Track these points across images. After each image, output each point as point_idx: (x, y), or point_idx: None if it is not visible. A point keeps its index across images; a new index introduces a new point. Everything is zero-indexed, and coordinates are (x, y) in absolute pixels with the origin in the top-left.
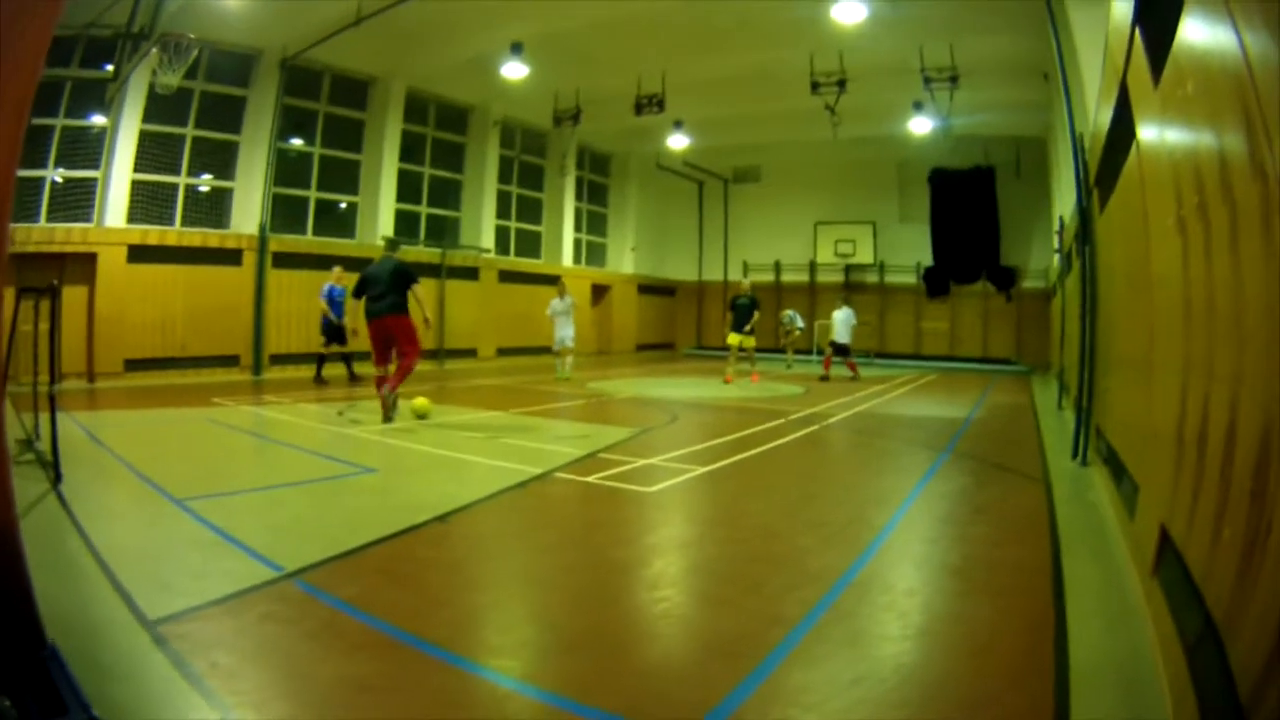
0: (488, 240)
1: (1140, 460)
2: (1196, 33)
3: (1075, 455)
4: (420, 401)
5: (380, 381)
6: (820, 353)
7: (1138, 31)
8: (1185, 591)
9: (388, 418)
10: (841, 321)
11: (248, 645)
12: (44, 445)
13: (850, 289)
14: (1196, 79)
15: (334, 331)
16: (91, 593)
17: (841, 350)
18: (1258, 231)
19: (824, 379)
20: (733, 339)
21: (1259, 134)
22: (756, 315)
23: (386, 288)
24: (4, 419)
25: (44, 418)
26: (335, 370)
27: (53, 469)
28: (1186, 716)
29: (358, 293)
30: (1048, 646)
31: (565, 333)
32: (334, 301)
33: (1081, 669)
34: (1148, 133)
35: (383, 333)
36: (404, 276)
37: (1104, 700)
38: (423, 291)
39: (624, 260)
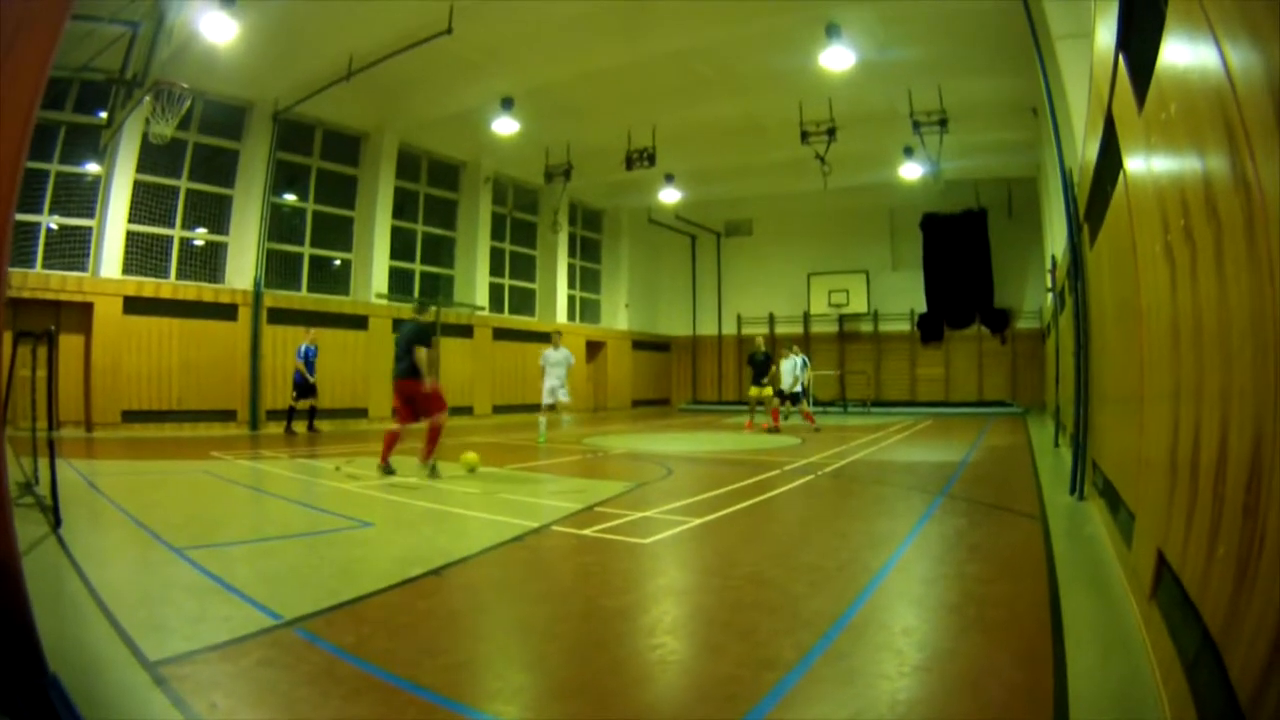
0: (482, 298)
1: (1135, 488)
2: (1178, 51)
3: (1073, 491)
4: (469, 456)
5: (390, 437)
6: (817, 402)
7: (1121, 58)
8: (1183, 611)
9: (385, 470)
10: (788, 371)
11: (247, 688)
12: (43, 490)
13: (845, 339)
14: (1179, 99)
15: (306, 388)
16: (91, 633)
17: (788, 397)
18: (1242, 244)
19: (815, 429)
20: (753, 391)
21: (1241, 145)
22: (774, 369)
23: (402, 351)
24: (4, 460)
25: (43, 463)
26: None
27: (52, 513)
28: None
29: None
30: (1047, 675)
31: (553, 384)
32: (308, 360)
33: (1080, 694)
34: (1134, 160)
35: (403, 393)
36: (411, 339)
37: None
38: (424, 355)
39: (618, 316)
